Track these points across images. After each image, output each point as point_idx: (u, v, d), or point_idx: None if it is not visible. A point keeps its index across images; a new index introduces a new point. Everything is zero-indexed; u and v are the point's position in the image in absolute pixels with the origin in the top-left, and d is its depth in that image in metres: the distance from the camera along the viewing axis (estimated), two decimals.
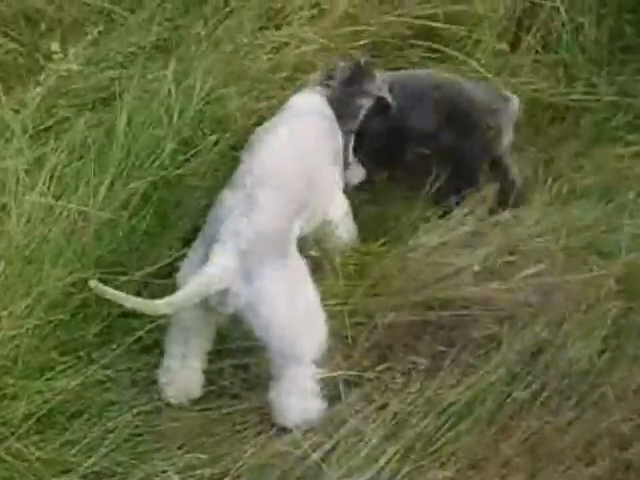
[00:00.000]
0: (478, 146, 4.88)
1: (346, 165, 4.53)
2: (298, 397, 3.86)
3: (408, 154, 4.92)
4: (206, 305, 3.72)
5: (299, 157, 4.08)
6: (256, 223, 3.71)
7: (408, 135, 4.84)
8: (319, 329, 3.86)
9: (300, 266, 3.87)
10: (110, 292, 3.58)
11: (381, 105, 4.64)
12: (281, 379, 3.85)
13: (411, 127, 4.81)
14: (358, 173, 4.73)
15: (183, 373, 3.94)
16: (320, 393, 3.91)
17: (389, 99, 4.63)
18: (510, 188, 4.93)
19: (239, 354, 4.08)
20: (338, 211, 4.43)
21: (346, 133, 4.53)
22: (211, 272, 3.61)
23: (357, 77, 4.54)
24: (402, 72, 4.99)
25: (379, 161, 4.84)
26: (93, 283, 3.58)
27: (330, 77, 4.53)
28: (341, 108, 4.50)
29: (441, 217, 4.69)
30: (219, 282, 3.62)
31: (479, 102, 4.86)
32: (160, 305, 3.60)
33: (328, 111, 4.44)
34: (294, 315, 3.75)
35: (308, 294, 3.85)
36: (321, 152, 4.28)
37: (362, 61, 4.58)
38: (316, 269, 4.13)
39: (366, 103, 4.58)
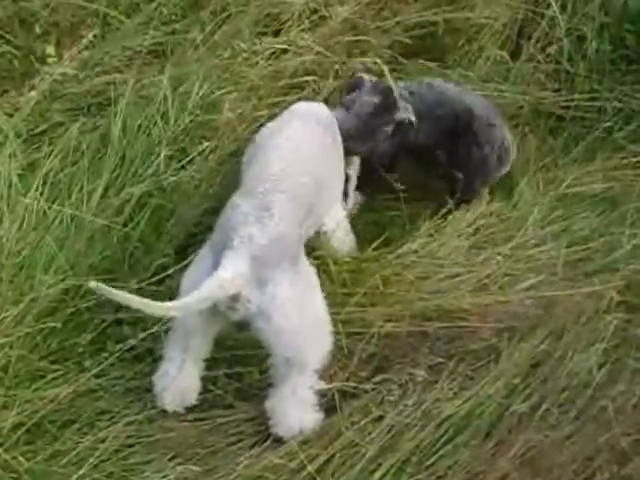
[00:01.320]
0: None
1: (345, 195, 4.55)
2: (297, 407, 3.82)
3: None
4: (213, 310, 3.67)
5: (309, 161, 4.06)
6: (270, 230, 3.68)
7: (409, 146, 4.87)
8: (326, 338, 3.85)
9: (310, 272, 3.86)
10: (113, 292, 3.52)
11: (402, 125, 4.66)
12: (281, 387, 3.81)
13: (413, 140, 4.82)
14: (355, 198, 4.73)
15: (180, 379, 3.89)
16: (317, 404, 3.87)
17: (414, 120, 4.64)
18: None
19: (233, 363, 4.03)
20: (334, 218, 4.40)
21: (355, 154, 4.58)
22: (224, 277, 3.57)
23: (386, 106, 4.56)
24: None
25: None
26: (93, 284, 3.52)
27: (351, 90, 4.59)
28: (361, 132, 4.53)
29: (439, 226, 4.64)
30: (231, 287, 3.58)
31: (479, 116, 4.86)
32: (170, 307, 3.56)
33: (331, 121, 4.43)
34: (304, 322, 3.73)
35: (317, 301, 3.84)
36: (327, 158, 4.27)
37: (389, 87, 4.59)
38: None
39: (389, 129, 4.62)
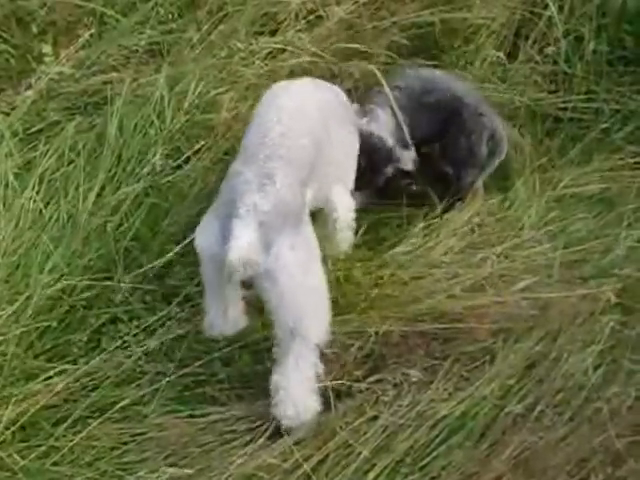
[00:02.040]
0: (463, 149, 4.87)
1: None
2: (298, 387, 3.83)
3: None
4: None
5: (308, 125, 4.08)
6: (272, 196, 3.75)
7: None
8: (325, 310, 3.88)
9: (311, 238, 3.91)
10: None
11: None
12: (285, 361, 3.83)
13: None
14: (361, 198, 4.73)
15: (228, 311, 4.04)
16: (317, 393, 3.87)
17: (411, 169, 4.70)
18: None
19: (228, 361, 4.04)
20: (345, 206, 4.46)
21: None
22: (240, 245, 3.64)
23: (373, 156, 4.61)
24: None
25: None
26: None
27: None
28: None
29: (434, 226, 4.65)
30: (247, 253, 3.64)
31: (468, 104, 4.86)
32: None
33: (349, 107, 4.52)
34: (306, 284, 3.79)
35: (317, 268, 3.88)
36: (337, 126, 4.32)
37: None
38: None
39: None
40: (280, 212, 3.74)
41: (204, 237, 3.86)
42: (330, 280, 4.17)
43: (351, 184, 4.51)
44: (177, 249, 4.17)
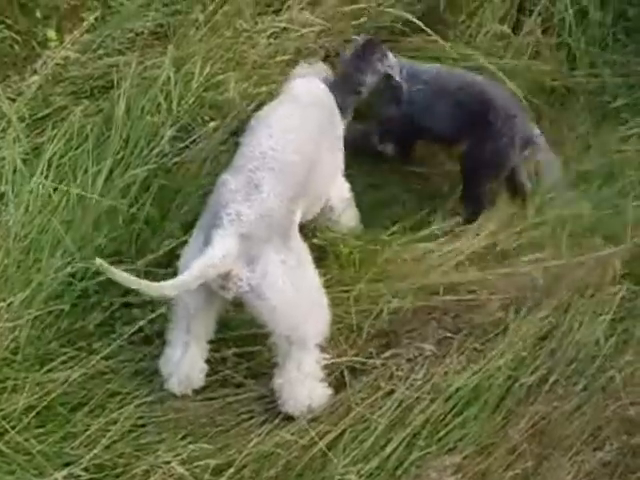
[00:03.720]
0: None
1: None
2: (303, 384, 3.82)
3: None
4: (208, 290, 3.69)
5: (300, 143, 4.01)
6: (257, 207, 3.67)
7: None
8: (323, 312, 3.84)
9: (302, 249, 3.84)
10: (114, 272, 3.53)
11: (391, 86, 4.62)
12: (286, 365, 3.81)
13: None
14: None
15: (184, 363, 3.89)
16: (325, 379, 3.88)
17: (398, 79, 4.60)
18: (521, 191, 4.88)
19: (242, 342, 4.04)
20: (338, 195, 4.41)
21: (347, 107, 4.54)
22: (213, 255, 3.57)
23: (366, 52, 4.54)
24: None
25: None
26: (98, 261, 3.53)
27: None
28: (344, 81, 4.50)
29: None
30: (221, 265, 3.58)
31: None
32: (164, 286, 3.56)
33: (329, 98, 4.40)
34: (299, 298, 3.72)
35: (311, 278, 3.83)
36: (321, 138, 4.21)
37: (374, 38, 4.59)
38: (320, 257, 4.10)
39: (371, 79, 4.57)
40: (266, 223, 3.66)
41: (187, 253, 3.78)
42: (344, 261, 4.21)
43: (341, 170, 4.44)
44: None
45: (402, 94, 4.67)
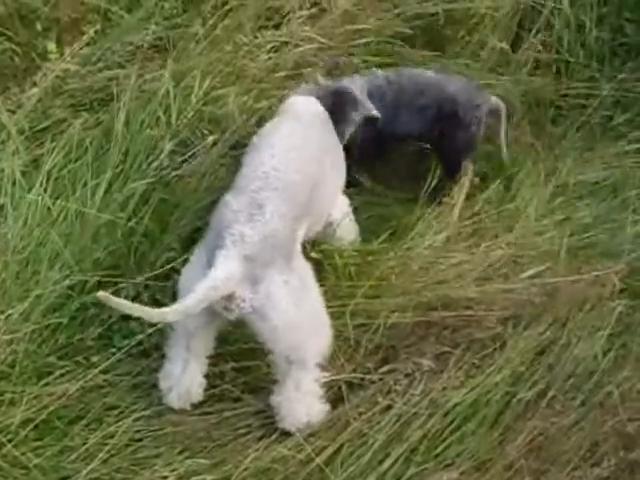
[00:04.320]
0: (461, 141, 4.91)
1: None
2: (302, 402, 3.82)
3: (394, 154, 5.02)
4: (210, 310, 3.66)
5: (302, 162, 4.00)
6: (261, 228, 3.65)
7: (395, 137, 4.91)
8: (325, 333, 3.83)
9: (306, 270, 3.83)
10: (116, 301, 3.53)
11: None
12: (285, 383, 3.81)
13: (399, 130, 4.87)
14: None
15: (185, 378, 3.89)
16: (323, 396, 3.87)
17: (374, 113, 4.59)
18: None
19: (240, 357, 4.03)
20: (337, 209, 4.39)
21: None
22: (217, 277, 3.55)
23: (336, 106, 4.48)
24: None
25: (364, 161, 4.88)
26: (100, 294, 3.53)
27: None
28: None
29: (440, 216, 4.66)
30: (225, 288, 3.56)
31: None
32: (167, 313, 3.55)
33: (326, 115, 4.40)
34: (301, 318, 3.70)
35: (314, 298, 3.82)
36: (324, 156, 4.20)
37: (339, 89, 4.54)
38: (317, 271, 4.09)
39: (349, 129, 4.53)
40: (270, 244, 3.64)
41: (188, 272, 3.77)
42: (341, 273, 4.21)
43: (342, 187, 4.43)
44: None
45: (379, 119, 4.68)
